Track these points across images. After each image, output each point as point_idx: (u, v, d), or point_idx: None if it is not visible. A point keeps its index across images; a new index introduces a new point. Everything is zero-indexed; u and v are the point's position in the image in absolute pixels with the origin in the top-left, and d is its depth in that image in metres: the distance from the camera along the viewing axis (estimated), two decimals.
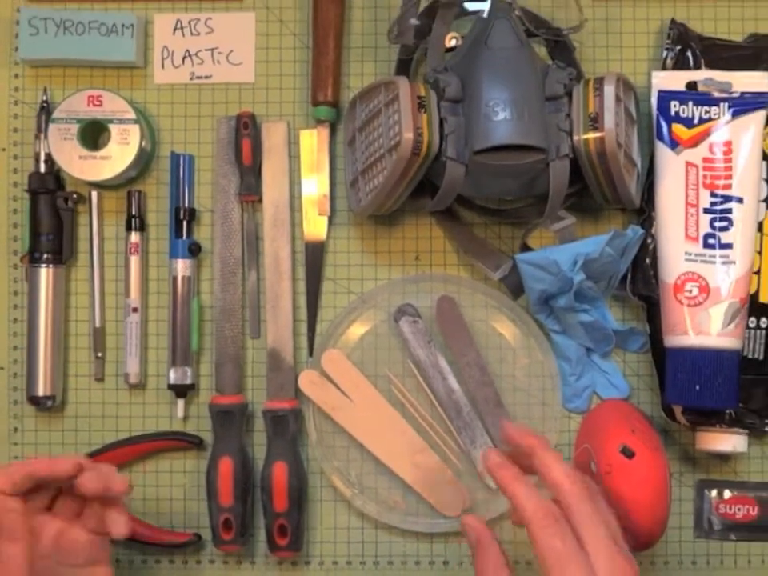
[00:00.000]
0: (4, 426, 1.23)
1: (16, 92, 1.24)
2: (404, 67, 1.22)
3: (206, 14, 1.25)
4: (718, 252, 1.13)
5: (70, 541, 1.01)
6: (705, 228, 1.13)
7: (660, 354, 1.16)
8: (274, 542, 1.18)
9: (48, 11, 1.22)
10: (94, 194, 1.22)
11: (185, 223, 1.22)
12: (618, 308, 1.22)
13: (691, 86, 1.17)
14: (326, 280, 1.23)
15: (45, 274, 1.20)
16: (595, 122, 1.07)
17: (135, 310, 1.21)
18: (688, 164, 1.15)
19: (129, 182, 1.23)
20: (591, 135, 1.07)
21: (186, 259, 1.21)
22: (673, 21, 1.22)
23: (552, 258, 1.14)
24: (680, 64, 1.20)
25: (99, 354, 1.22)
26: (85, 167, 1.19)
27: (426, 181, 1.13)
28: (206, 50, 1.24)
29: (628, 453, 1.09)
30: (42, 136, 1.20)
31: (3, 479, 0.96)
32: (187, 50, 1.24)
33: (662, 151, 1.16)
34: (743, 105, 1.15)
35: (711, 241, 1.13)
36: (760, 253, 1.16)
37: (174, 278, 1.21)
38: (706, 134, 1.15)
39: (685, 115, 1.16)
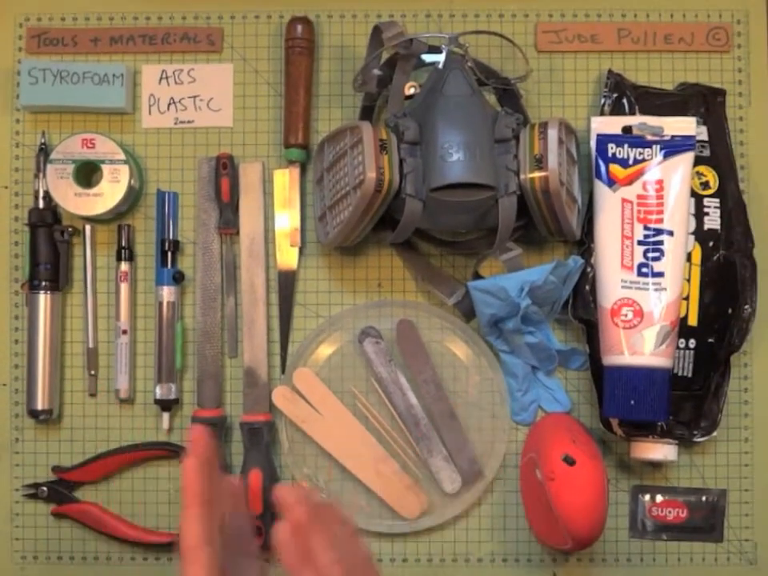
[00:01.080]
0: (6, 436, 1.22)
1: (17, 135, 1.23)
2: (367, 113, 1.21)
3: (188, 65, 1.24)
4: (650, 280, 1.12)
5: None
6: (639, 258, 1.13)
7: (598, 372, 1.16)
8: None
9: (46, 63, 1.21)
10: (88, 227, 1.21)
11: (169, 254, 1.21)
12: (561, 330, 1.22)
13: (626, 129, 1.17)
14: (297, 305, 1.22)
15: (43, 299, 1.19)
16: (540, 163, 1.07)
17: (125, 332, 1.20)
18: (624, 200, 1.14)
19: (119, 217, 1.22)
20: (536, 174, 1.07)
21: (171, 286, 1.20)
22: (610, 71, 1.22)
23: (501, 285, 1.14)
24: (616, 110, 1.20)
25: (92, 372, 1.21)
26: (79, 203, 1.18)
27: (387, 215, 1.12)
28: (189, 97, 1.24)
29: (570, 461, 1.08)
30: (41, 175, 1.20)
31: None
32: (171, 98, 1.24)
33: (600, 189, 1.16)
34: (673, 147, 1.15)
35: (645, 270, 1.13)
36: (688, 280, 1.16)
37: (160, 303, 1.20)
38: (640, 173, 1.15)
39: (621, 156, 1.16)
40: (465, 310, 1.19)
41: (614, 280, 1.13)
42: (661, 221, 1.13)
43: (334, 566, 0.89)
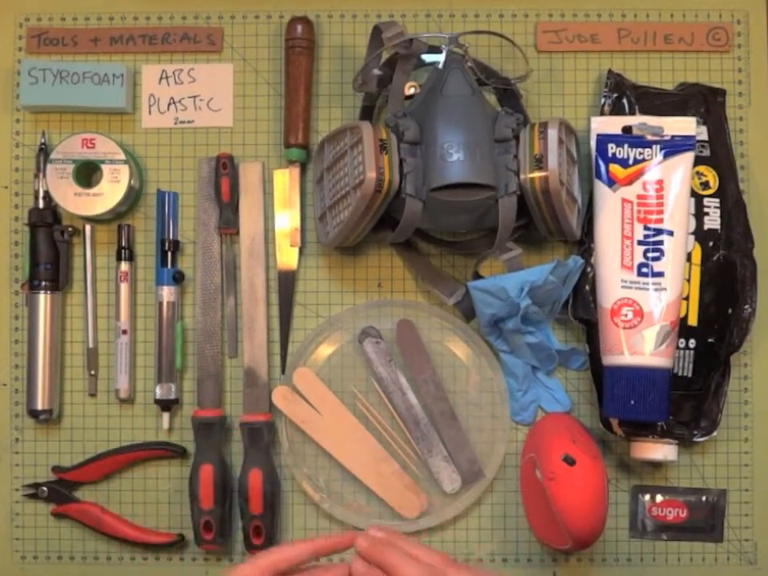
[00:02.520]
0: (6, 436, 1.20)
1: (17, 135, 1.21)
2: (367, 113, 1.20)
3: (188, 65, 1.22)
4: (650, 280, 1.11)
5: None
6: (639, 258, 1.11)
7: (598, 372, 1.14)
8: (250, 541, 1.16)
9: (46, 62, 1.19)
10: (88, 227, 1.20)
11: (169, 254, 1.19)
12: (561, 330, 1.20)
13: (626, 129, 1.15)
14: (297, 305, 1.20)
15: (43, 299, 1.17)
16: (540, 163, 1.05)
17: (125, 332, 1.18)
18: (624, 200, 1.13)
19: (119, 217, 1.21)
20: (536, 174, 1.05)
21: (171, 286, 1.19)
22: (610, 71, 1.20)
23: (501, 285, 1.12)
24: (616, 110, 1.19)
25: (92, 372, 1.20)
26: (79, 203, 1.16)
27: (387, 215, 1.10)
28: (189, 97, 1.22)
29: (570, 461, 1.07)
30: (41, 175, 1.18)
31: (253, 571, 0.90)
32: (171, 98, 1.22)
33: (600, 189, 1.14)
34: (673, 147, 1.13)
35: (645, 270, 1.11)
36: (688, 280, 1.14)
37: (160, 303, 1.18)
38: (640, 173, 1.13)
39: (621, 156, 1.14)
40: (465, 310, 1.17)
41: (613, 280, 1.12)
42: (661, 221, 1.11)
43: None
